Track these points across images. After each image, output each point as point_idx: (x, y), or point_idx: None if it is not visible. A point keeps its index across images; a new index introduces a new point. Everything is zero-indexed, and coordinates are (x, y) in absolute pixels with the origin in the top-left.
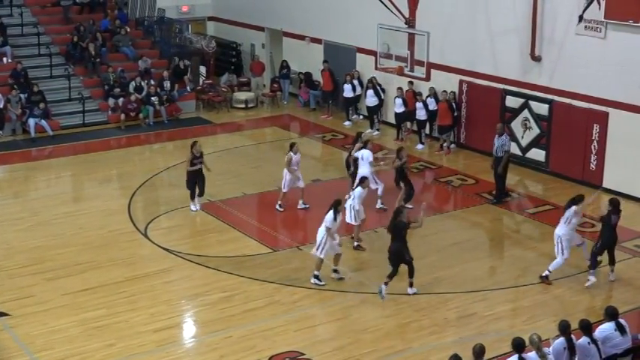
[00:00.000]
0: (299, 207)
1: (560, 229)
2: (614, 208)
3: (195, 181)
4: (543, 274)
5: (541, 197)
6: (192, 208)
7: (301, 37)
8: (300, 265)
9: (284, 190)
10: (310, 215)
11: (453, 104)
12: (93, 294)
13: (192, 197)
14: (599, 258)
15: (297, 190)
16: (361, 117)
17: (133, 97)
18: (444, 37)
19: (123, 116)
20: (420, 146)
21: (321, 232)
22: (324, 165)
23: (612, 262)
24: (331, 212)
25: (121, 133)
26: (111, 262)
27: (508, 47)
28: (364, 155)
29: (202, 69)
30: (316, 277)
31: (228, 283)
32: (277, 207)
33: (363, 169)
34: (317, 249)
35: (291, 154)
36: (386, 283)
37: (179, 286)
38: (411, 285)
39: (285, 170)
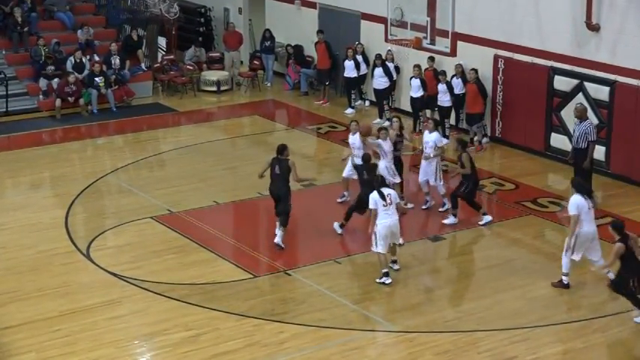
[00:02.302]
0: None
1: None
2: (623, 236)
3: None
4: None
5: (600, 207)
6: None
7: (290, 0)
8: (288, 294)
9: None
10: (303, 231)
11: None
12: (18, 333)
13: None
14: None
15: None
16: (367, 103)
17: (71, 78)
18: (474, 0)
19: (58, 102)
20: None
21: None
22: (319, 165)
23: None
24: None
25: (56, 123)
26: (41, 291)
27: (557, 13)
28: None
29: (161, 41)
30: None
31: (195, 318)
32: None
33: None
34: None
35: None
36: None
37: (130, 322)
38: None
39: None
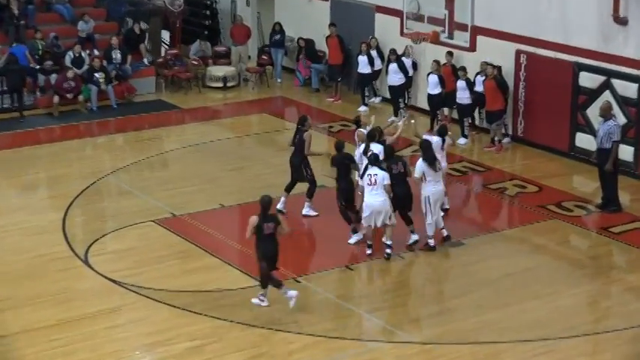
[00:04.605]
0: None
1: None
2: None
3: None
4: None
5: (629, 210)
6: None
7: None
8: (298, 302)
9: None
10: (311, 235)
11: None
12: (14, 342)
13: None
14: None
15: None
16: (381, 100)
17: (70, 73)
18: None
19: (56, 99)
20: (462, 140)
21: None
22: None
23: None
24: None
25: (53, 121)
26: (38, 298)
27: (583, 6)
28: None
29: (165, 35)
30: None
31: (199, 327)
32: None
33: None
34: None
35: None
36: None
37: (131, 331)
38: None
39: None
